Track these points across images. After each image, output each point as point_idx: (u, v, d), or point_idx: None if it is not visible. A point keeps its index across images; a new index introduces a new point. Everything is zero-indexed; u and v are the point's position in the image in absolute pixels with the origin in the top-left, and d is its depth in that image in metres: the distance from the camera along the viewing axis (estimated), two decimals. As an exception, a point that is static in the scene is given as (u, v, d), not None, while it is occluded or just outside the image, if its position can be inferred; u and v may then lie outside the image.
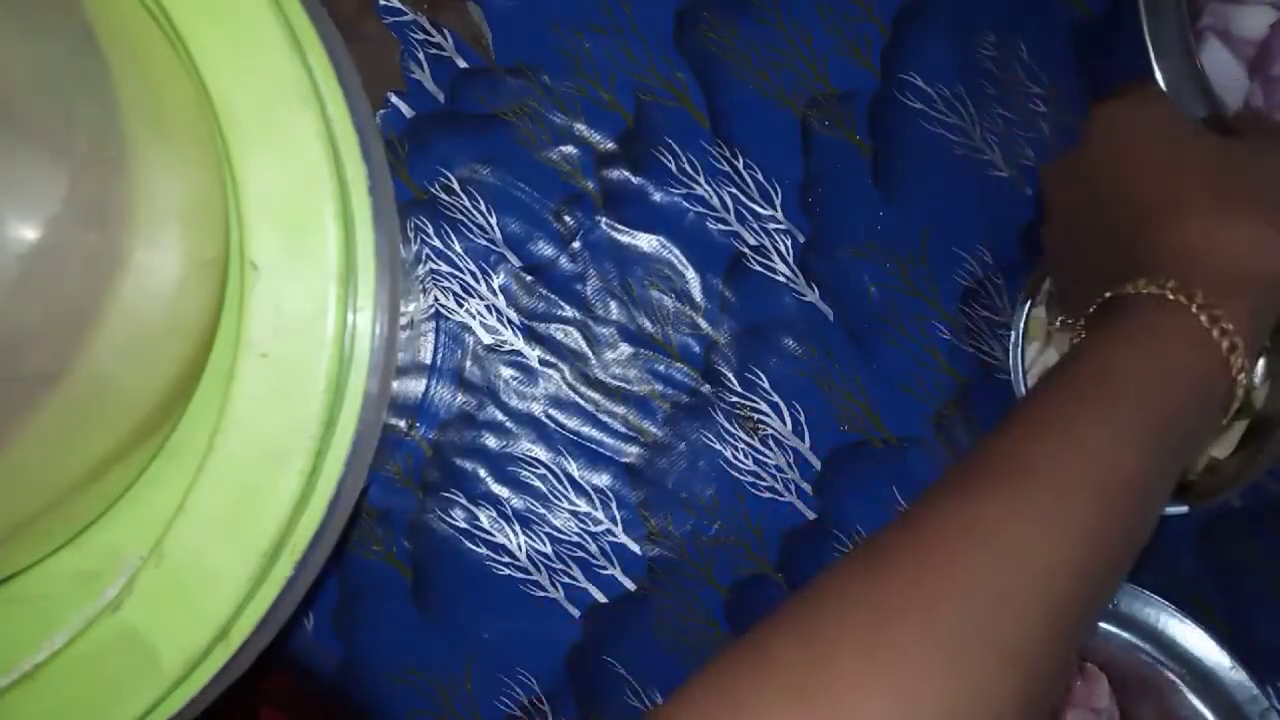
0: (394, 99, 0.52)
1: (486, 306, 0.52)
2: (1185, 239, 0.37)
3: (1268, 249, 0.36)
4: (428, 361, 0.51)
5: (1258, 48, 0.46)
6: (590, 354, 0.53)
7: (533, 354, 0.52)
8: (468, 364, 0.52)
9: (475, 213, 0.52)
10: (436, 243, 0.51)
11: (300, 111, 0.31)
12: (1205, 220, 0.37)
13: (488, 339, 0.52)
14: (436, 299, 0.51)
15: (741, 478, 0.54)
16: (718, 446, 0.54)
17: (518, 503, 0.53)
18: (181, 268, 0.30)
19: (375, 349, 0.33)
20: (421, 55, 0.53)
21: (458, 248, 0.51)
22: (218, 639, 0.31)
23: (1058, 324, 0.50)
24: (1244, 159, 0.40)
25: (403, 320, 0.49)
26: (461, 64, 0.53)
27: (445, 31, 0.53)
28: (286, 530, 0.31)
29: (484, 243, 0.52)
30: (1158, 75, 0.45)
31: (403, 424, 0.50)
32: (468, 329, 0.52)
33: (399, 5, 0.52)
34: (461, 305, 0.51)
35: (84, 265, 0.27)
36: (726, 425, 0.54)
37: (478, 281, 0.52)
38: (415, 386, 0.50)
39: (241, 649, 0.32)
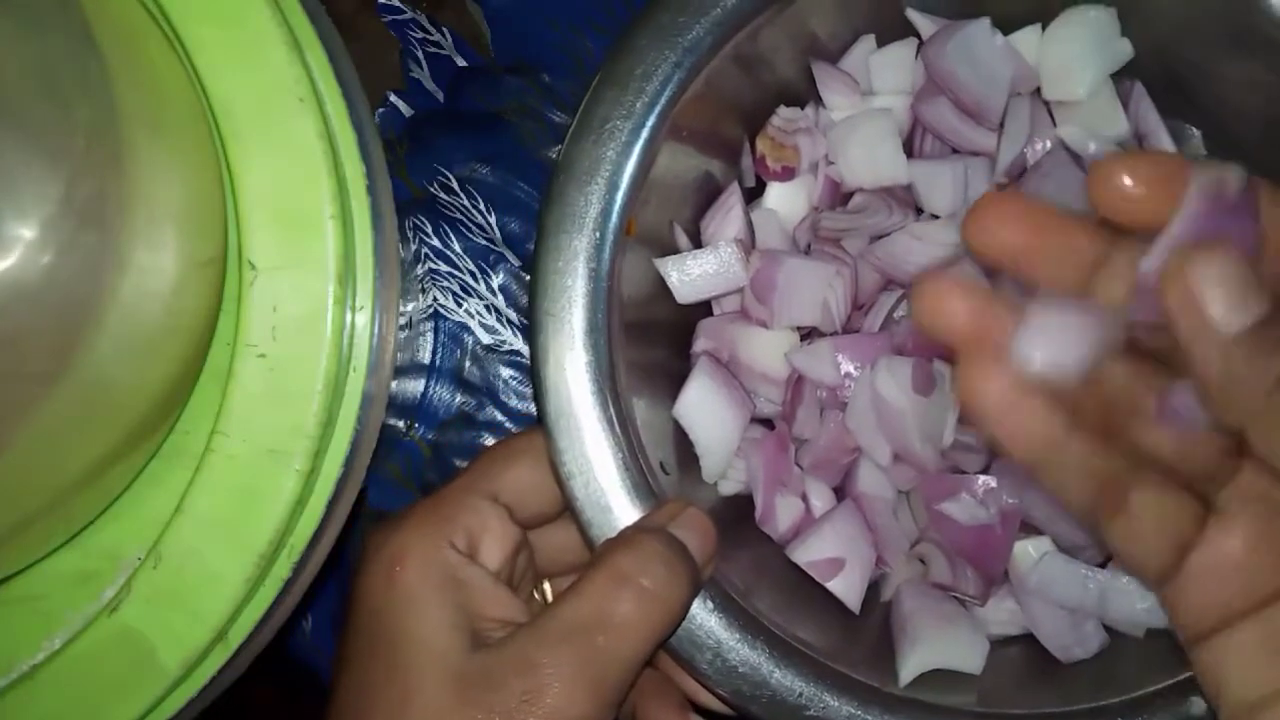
0: (392, 98, 0.52)
1: (486, 306, 0.52)
2: None
3: None
4: (426, 361, 0.51)
5: None
6: (589, 353, 0.53)
7: (532, 353, 0.52)
8: (467, 364, 0.52)
9: (474, 212, 0.52)
10: (435, 242, 0.51)
11: (298, 111, 0.31)
12: None
13: (487, 339, 0.52)
14: (435, 298, 0.51)
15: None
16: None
17: (517, 502, 0.53)
18: (179, 268, 0.30)
19: (373, 349, 0.33)
20: (420, 54, 0.53)
21: (456, 247, 0.51)
22: (216, 640, 0.31)
23: None
24: None
25: (401, 320, 0.49)
26: (461, 62, 0.53)
27: (444, 30, 0.53)
28: (284, 531, 0.31)
29: (483, 242, 0.52)
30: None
31: (401, 424, 0.50)
32: (467, 329, 0.52)
33: (398, 4, 0.52)
34: (460, 305, 0.51)
35: (82, 265, 0.27)
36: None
37: (477, 281, 0.52)
38: (414, 386, 0.50)
39: (240, 650, 0.32)
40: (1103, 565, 0.35)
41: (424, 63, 0.53)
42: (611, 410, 0.33)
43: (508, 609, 0.31)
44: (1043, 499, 0.35)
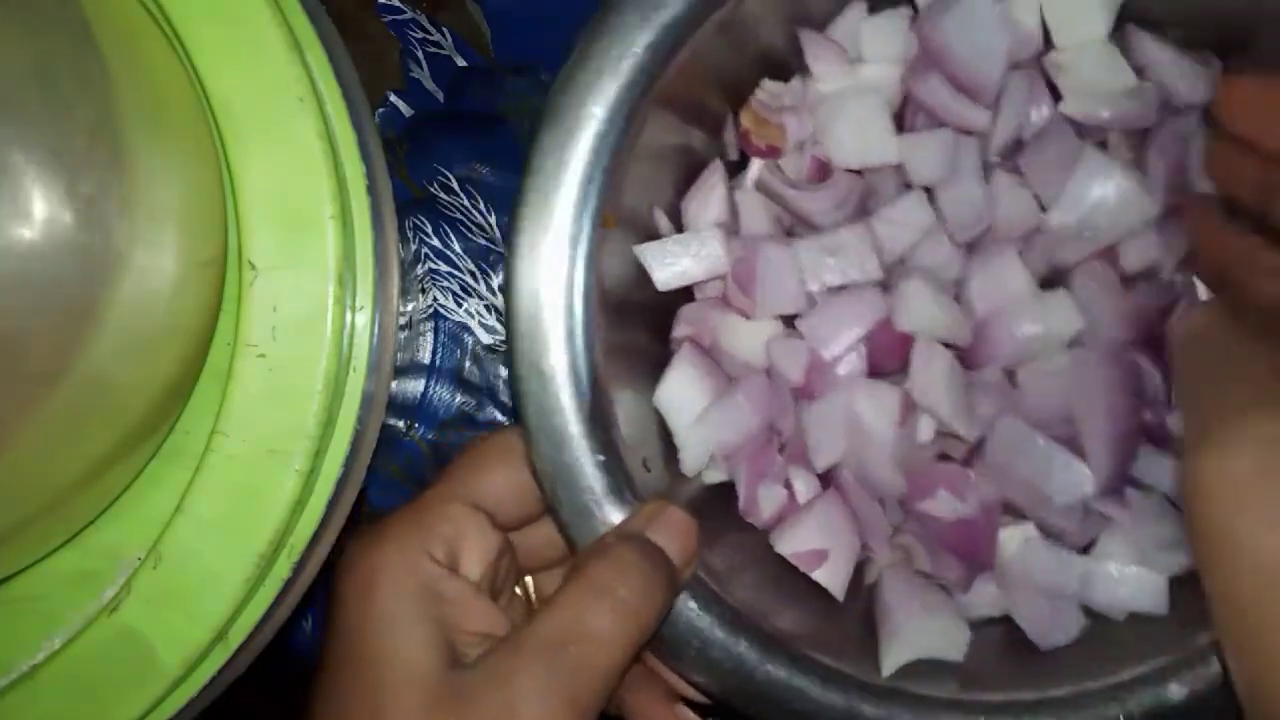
0: (393, 98, 0.52)
1: (486, 306, 0.52)
2: None
3: None
4: (426, 361, 0.51)
5: None
6: (589, 353, 0.53)
7: (532, 353, 0.52)
8: (467, 364, 0.52)
9: (474, 212, 0.52)
10: (435, 242, 0.51)
11: (298, 111, 0.31)
12: None
13: (487, 339, 0.52)
14: (435, 298, 0.51)
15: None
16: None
17: (517, 502, 0.52)
18: (179, 268, 0.30)
19: (373, 349, 0.33)
20: (420, 54, 0.53)
21: (457, 247, 0.51)
22: (216, 640, 0.31)
23: None
24: None
25: (401, 320, 0.49)
26: (461, 62, 0.53)
27: (444, 30, 0.53)
28: (285, 531, 0.31)
29: (483, 242, 0.52)
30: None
31: (401, 424, 0.50)
32: (467, 329, 0.52)
33: (398, 4, 0.52)
34: (460, 305, 0.51)
35: (82, 265, 0.27)
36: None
37: (477, 281, 0.52)
38: (414, 386, 0.50)
39: (240, 649, 0.32)
40: (1085, 551, 0.35)
41: (424, 63, 0.53)
42: (592, 413, 0.33)
43: (488, 622, 0.31)
44: (1025, 483, 0.34)
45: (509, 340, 0.33)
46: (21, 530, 0.30)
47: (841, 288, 0.36)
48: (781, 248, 0.36)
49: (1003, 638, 0.36)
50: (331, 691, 0.31)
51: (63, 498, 0.30)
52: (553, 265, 0.33)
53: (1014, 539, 0.35)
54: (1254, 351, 0.25)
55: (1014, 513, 0.36)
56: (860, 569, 0.37)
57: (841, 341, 0.35)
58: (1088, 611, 0.35)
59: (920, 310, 0.35)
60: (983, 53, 0.34)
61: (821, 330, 0.35)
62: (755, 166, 0.38)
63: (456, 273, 0.51)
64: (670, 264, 0.36)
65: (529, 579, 0.36)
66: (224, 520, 0.31)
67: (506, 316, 0.33)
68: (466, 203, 0.51)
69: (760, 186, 0.38)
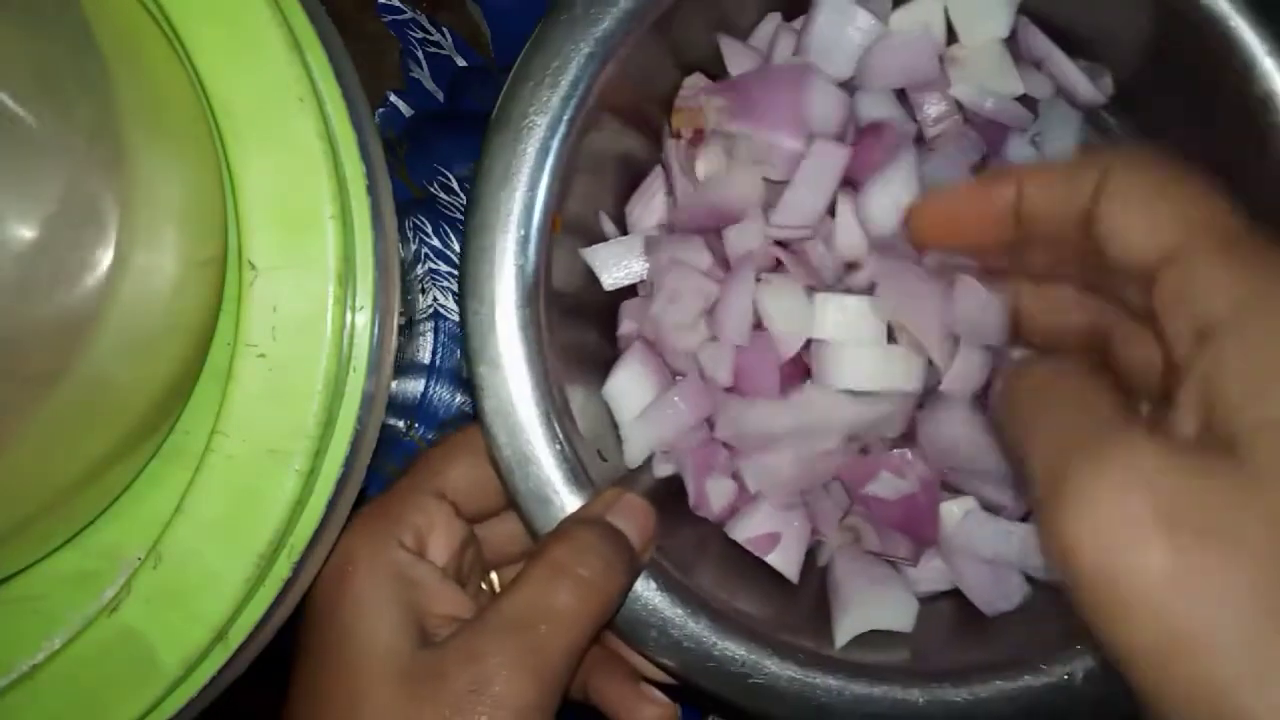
0: (392, 98, 0.52)
1: (485, 306, 0.52)
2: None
3: None
4: (426, 361, 0.51)
5: None
6: (589, 353, 0.53)
7: (532, 353, 0.52)
8: (467, 363, 0.52)
9: (474, 212, 0.52)
10: (435, 242, 0.51)
11: (298, 111, 0.31)
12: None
13: (487, 338, 0.52)
14: (435, 298, 0.51)
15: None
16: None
17: (517, 502, 0.52)
18: (179, 267, 0.30)
19: (373, 348, 0.33)
20: (420, 54, 0.53)
21: (457, 247, 0.51)
22: (216, 640, 0.31)
23: None
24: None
25: (401, 320, 0.49)
26: (460, 63, 0.53)
27: (444, 30, 0.53)
28: (284, 531, 0.31)
29: (483, 242, 0.52)
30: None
31: (401, 424, 0.50)
32: (467, 328, 0.52)
33: (398, 4, 0.52)
34: (460, 304, 0.51)
35: (82, 265, 0.27)
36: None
37: (477, 281, 0.52)
38: (414, 386, 0.50)
39: (240, 650, 0.32)
40: (1024, 520, 0.37)
41: (424, 63, 0.53)
42: (547, 404, 0.34)
43: (455, 605, 0.32)
44: (961, 468, 0.36)
45: (464, 338, 0.34)
46: (21, 530, 0.30)
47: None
48: (675, 247, 0.37)
49: (952, 611, 0.38)
50: (309, 673, 0.32)
51: (63, 498, 0.30)
52: (505, 266, 0.34)
53: (955, 512, 0.37)
54: (1095, 387, 0.22)
55: (954, 490, 0.37)
56: (812, 554, 0.39)
57: (736, 340, 0.36)
58: (1030, 580, 0.37)
59: (779, 310, 0.36)
60: (838, 46, 0.36)
61: (724, 330, 0.36)
62: (672, 148, 0.39)
63: (456, 272, 0.51)
64: (616, 265, 0.38)
65: (494, 574, 0.37)
66: (224, 520, 0.31)
67: (462, 316, 0.34)
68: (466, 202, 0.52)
69: (668, 168, 0.39)
